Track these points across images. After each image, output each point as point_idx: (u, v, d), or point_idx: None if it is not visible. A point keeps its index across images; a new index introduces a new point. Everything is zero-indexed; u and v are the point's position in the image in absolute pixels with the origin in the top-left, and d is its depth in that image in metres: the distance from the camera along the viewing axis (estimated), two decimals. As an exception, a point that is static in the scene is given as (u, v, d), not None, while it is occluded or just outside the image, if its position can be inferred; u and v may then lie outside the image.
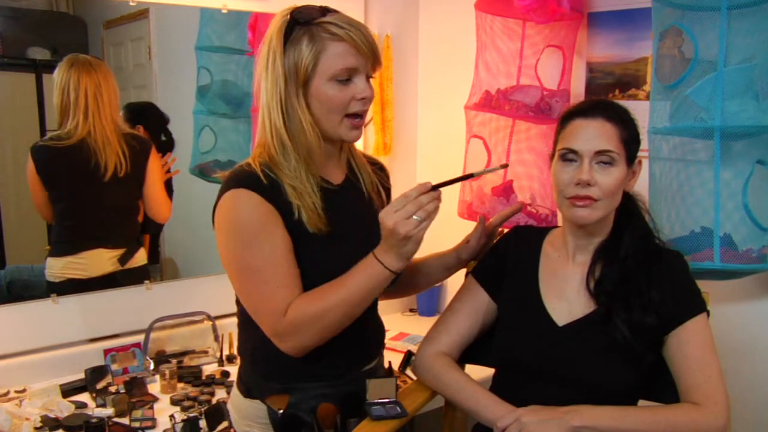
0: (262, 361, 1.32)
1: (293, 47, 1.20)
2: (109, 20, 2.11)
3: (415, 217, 1.15)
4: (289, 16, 1.21)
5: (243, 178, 1.22)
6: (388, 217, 1.15)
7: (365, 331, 1.36)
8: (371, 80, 1.26)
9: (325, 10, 1.22)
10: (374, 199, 1.38)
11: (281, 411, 1.27)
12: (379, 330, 1.45)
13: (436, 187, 1.18)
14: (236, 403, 1.38)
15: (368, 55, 1.21)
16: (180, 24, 2.19)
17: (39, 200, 1.94)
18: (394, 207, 1.16)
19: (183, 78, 2.21)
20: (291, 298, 1.22)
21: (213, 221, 1.26)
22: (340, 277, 1.23)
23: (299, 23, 1.20)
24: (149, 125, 2.12)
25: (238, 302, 1.35)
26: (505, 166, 1.21)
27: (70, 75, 1.88)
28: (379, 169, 1.46)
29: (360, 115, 1.25)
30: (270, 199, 1.21)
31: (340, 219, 1.26)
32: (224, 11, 2.09)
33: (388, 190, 1.46)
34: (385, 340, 1.48)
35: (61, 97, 1.89)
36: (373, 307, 1.39)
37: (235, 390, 1.39)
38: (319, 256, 1.25)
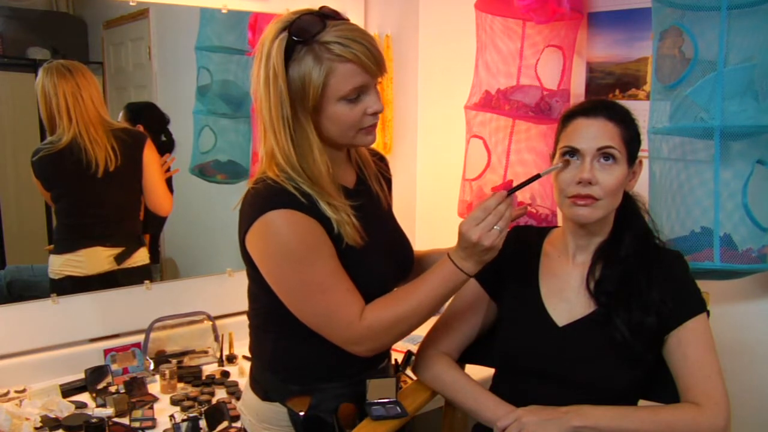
0: (280, 364, 1.32)
1: (297, 68, 1.15)
2: (109, 20, 2.11)
3: (496, 227, 1.16)
4: (287, 34, 1.15)
5: (278, 198, 1.18)
6: (471, 231, 1.16)
7: None
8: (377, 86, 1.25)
9: (324, 19, 1.16)
10: (380, 196, 1.38)
11: (303, 413, 1.27)
12: None
13: (509, 193, 1.19)
14: (252, 407, 1.36)
15: (375, 70, 1.19)
16: (180, 24, 2.19)
17: (47, 199, 1.99)
18: (475, 220, 1.17)
19: (183, 78, 2.20)
20: (360, 303, 1.22)
21: (243, 243, 1.22)
22: (413, 281, 1.24)
23: (299, 42, 1.15)
24: (149, 125, 2.12)
25: (252, 305, 1.34)
26: (566, 163, 1.25)
27: (47, 83, 1.89)
28: (380, 160, 1.45)
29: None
30: (312, 215, 1.19)
31: (365, 227, 1.25)
32: (224, 11, 2.08)
33: (389, 181, 1.45)
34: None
35: (45, 106, 1.90)
36: None
37: (249, 394, 1.37)
38: (356, 267, 1.24)
